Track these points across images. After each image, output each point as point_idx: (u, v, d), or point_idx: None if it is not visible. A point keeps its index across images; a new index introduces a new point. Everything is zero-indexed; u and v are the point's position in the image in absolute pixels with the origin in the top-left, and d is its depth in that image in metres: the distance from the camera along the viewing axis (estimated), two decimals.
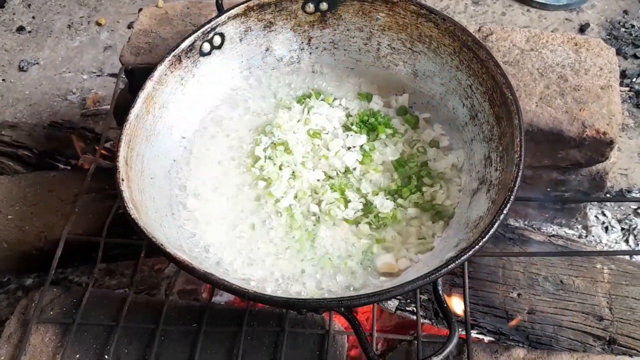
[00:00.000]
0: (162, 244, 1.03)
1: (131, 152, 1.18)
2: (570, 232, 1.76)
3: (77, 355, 1.20)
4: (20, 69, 2.50)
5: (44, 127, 2.05)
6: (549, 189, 1.60)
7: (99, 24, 2.64)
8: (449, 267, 0.98)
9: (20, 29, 2.65)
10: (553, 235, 1.64)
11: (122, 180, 1.12)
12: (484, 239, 1.00)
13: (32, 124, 2.13)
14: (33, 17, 2.71)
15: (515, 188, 1.05)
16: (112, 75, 2.45)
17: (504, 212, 1.02)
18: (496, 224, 1.01)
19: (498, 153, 1.17)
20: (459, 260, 0.98)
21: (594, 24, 2.46)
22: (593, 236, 1.78)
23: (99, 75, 2.46)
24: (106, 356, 1.19)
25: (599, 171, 1.56)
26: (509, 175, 1.08)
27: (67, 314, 1.26)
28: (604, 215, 1.84)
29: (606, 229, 1.82)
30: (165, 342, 1.22)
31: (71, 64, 2.51)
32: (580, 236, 1.77)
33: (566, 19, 2.49)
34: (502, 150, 1.16)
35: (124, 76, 1.64)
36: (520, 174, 1.06)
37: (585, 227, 1.78)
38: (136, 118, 1.22)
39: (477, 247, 0.99)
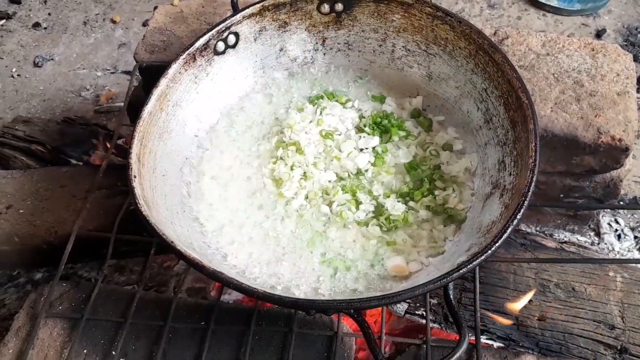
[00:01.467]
0: (172, 242, 1.03)
1: (144, 149, 1.19)
2: (583, 239, 1.74)
3: (85, 351, 1.20)
4: (35, 64, 2.51)
5: (57, 123, 2.06)
6: (562, 195, 1.59)
7: (113, 22, 2.65)
8: (460, 271, 0.97)
9: (36, 25, 2.67)
10: (565, 242, 1.63)
11: (134, 176, 1.12)
12: (497, 244, 0.99)
13: (45, 119, 2.13)
14: (49, 14, 2.72)
15: (529, 193, 1.04)
16: (126, 72, 2.46)
17: (517, 217, 1.01)
18: (509, 229, 1.00)
19: (512, 158, 1.16)
20: (470, 265, 0.98)
21: (610, 29, 2.44)
22: (605, 244, 1.75)
23: (112, 73, 2.46)
24: (114, 352, 1.20)
25: (613, 178, 1.53)
26: (523, 180, 1.07)
27: (75, 309, 1.27)
28: (617, 222, 1.81)
29: (619, 236, 1.79)
30: (173, 339, 1.22)
31: (85, 60, 2.52)
32: (592, 243, 1.74)
33: (582, 24, 2.47)
34: (517, 155, 1.15)
35: (138, 73, 1.64)
36: (534, 179, 1.05)
37: (598, 235, 1.76)
38: (149, 115, 1.22)
39: (489, 252, 0.98)
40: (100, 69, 2.48)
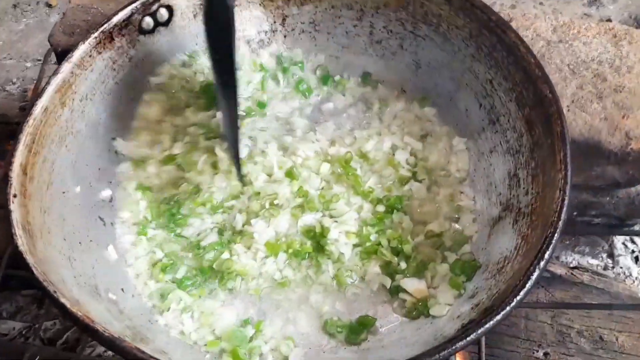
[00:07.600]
0: (55, 291, 0.81)
1: (34, 158, 0.98)
2: (594, 262, 1.59)
3: None
4: None
5: None
6: (575, 214, 1.43)
7: (49, 5, 2.44)
8: (468, 338, 0.72)
9: None
10: (576, 268, 1.50)
11: (14, 195, 0.91)
12: (517, 298, 0.76)
13: None
14: None
15: (561, 222, 0.83)
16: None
17: (545, 257, 0.81)
18: (535, 275, 0.78)
19: (529, 171, 0.98)
20: (481, 330, 0.74)
21: (616, 20, 2.30)
22: (621, 267, 1.60)
23: (44, 63, 2.21)
24: None
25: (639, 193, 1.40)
26: (550, 203, 0.86)
27: None
28: (633, 242, 1.65)
29: (636, 258, 1.63)
30: None
31: (13, 49, 2.30)
32: (606, 267, 1.59)
33: (585, 14, 2.31)
34: (536, 168, 0.96)
35: (54, 61, 1.45)
36: (566, 201, 0.84)
37: (612, 256, 1.60)
38: (44, 112, 1.01)
39: (507, 309, 0.76)
40: (30, 59, 2.27)
